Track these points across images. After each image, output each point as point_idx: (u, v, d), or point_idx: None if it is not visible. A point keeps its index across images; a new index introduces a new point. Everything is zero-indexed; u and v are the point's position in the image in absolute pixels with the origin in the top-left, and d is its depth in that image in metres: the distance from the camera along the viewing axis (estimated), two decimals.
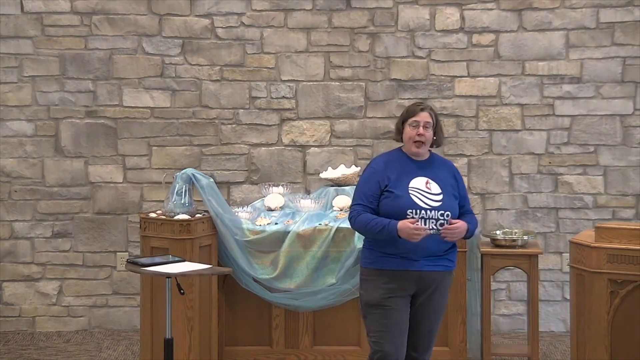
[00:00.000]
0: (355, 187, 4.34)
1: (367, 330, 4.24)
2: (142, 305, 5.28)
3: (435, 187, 4.17)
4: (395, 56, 6.33)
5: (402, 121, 4.26)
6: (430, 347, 4.29)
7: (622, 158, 6.27)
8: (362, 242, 4.34)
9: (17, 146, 6.38)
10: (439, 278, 4.18)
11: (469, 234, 4.23)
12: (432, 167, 4.24)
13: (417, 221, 4.06)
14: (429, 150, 4.32)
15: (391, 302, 4.13)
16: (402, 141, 4.29)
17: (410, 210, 4.09)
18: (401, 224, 4.05)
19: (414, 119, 4.20)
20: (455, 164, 6.27)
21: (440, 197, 4.15)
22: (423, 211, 4.10)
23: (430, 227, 4.09)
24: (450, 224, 4.09)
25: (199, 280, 5.14)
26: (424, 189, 4.15)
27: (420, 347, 4.25)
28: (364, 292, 4.23)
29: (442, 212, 4.12)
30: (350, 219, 4.23)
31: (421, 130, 4.18)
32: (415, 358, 4.25)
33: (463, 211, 4.26)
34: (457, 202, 4.22)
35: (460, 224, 4.11)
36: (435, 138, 4.26)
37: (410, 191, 4.14)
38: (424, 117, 4.20)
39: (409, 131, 4.21)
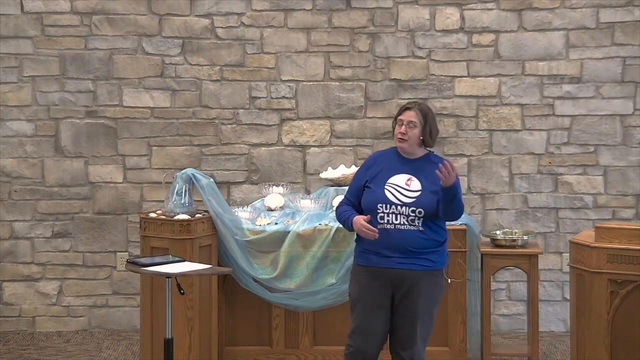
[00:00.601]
0: None
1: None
2: (142, 305, 5.28)
3: (416, 185, 4.20)
4: (395, 56, 6.33)
5: (395, 119, 4.37)
6: (413, 347, 4.21)
7: (622, 158, 6.27)
8: None
9: (17, 146, 6.38)
10: (416, 277, 4.17)
11: (455, 190, 4.12)
12: (421, 165, 4.26)
13: (374, 219, 4.15)
14: (429, 150, 4.34)
15: (366, 297, 4.21)
16: None
17: (381, 205, 4.17)
18: (356, 217, 4.16)
19: (400, 117, 4.30)
20: (455, 164, 6.31)
21: (417, 194, 4.18)
22: (394, 206, 4.16)
23: (401, 222, 4.15)
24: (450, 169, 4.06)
25: (199, 280, 5.14)
26: (402, 186, 4.20)
27: (403, 345, 4.22)
28: (349, 286, 4.37)
29: (414, 208, 4.15)
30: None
31: (403, 129, 4.24)
32: (402, 356, 4.24)
33: None
34: (436, 200, 4.20)
35: (456, 173, 4.07)
36: (422, 138, 4.26)
37: (386, 186, 4.21)
38: (408, 116, 4.26)
39: (395, 129, 4.30)
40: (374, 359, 4.27)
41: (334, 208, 5.48)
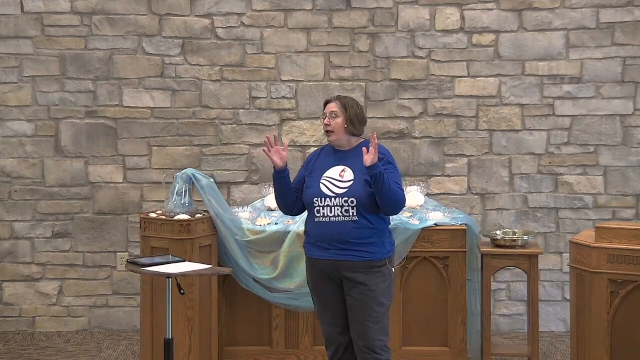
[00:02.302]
0: None
1: None
2: (142, 305, 5.28)
3: (349, 175, 4.25)
4: (395, 56, 6.33)
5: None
6: (367, 336, 4.21)
7: (622, 158, 6.27)
8: None
9: (17, 146, 6.38)
10: (353, 268, 4.20)
11: (379, 175, 4.10)
12: (354, 155, 4.30)
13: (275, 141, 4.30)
14: (364, 138, 4.39)
15: (318, 287, 4.33)
16: None
17: (316, 199, 4.24)
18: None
19: (323, 112, 4.38)
20: (454, 164, 6.34)
21: (349, 184, 4.22)
22: (328, 199, 4.22)
23: (335, 214, 4.19)
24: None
25: (199, 280, 5.15)
26: (336, 178, 4.26)
27: (358, 334, 4.23)
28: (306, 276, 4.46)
29: (347, 198, 4.20)
30: None
31: (326, 120, 4.33)
32: (359, 345, 4.25)
33: None
34: (369, 189, 4.21)
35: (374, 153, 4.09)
36: (346, 125, 4.30)
37: (321, 181, 4.28)
38: (329, 107, 4.35)
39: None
40: (350, 344, 4.30)
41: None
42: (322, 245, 4.24)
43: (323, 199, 4.23)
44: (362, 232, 4.19)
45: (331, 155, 4.36)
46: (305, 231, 4.38)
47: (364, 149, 4.13)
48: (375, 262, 4.23)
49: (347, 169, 4.27)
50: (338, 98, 4.38)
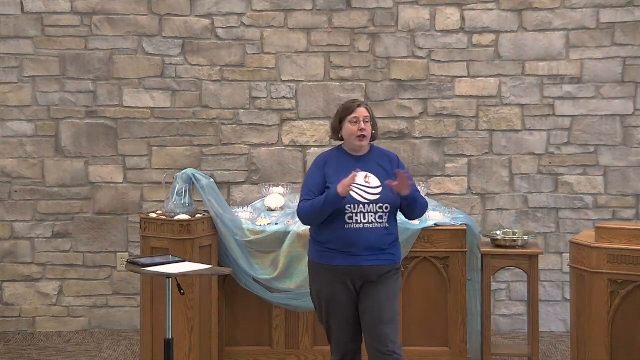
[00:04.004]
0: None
1: (318, 320, 4.38)
2: (142, 305, 5.28)
3: (374, 180, 4.23)
4: (395, 56, 6.33)
5: (339, 120, 4.32)
6: (385, 337, 4.19)
7: (622, 158, 6.27)
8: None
9: (17, 146, 6.38)
10: (381, 271, 4.21)
11: (412, 195, 4.21)
12: (372, 160, 4.30)
13: (356, 175, 4.10)
14: (370, 143, 4.38)
15: (334, 295, 4.22)
16: (339, 140, 4.36)
17: (349, 205, 4.17)
18: (339, 184, 4.09)
19: (353, 115, 4.27)
20: (455, 164, 6.34)
21: (378, 189, 4.21)
22: (361, 205, 4.18)
23: (369, 221, 4.16)
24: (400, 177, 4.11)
25: (199, 280, 5.15)
26: (362, 184, 4.21)
27: (375, 336, 4.21)
28: (311, 284, 4.35)
29: (381, 204, 4.19)
30: (297, 213, 4.30)
31: (362, 124, 4.25)
32: (376, 347, 4.22)
33: None
34: (398, 193, 4.23)
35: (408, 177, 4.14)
36: (373, 132, 4.33)
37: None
38: (362, 112, 4.28)
39: (349, 127, 4.27)
40: (357, 351, 4.30)
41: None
42: (349, 252, 4.17)
43: (356, 205, 4.17)
44: (391, 237, 4.22)
45: (347, 160, 4.29)
46: (321, 238, 4.25)
47: (400, 176, 4.08)
48: (396, 265, 4.29)
49: (370, 174, 4.24)
50: (365, 103, 4.35)
